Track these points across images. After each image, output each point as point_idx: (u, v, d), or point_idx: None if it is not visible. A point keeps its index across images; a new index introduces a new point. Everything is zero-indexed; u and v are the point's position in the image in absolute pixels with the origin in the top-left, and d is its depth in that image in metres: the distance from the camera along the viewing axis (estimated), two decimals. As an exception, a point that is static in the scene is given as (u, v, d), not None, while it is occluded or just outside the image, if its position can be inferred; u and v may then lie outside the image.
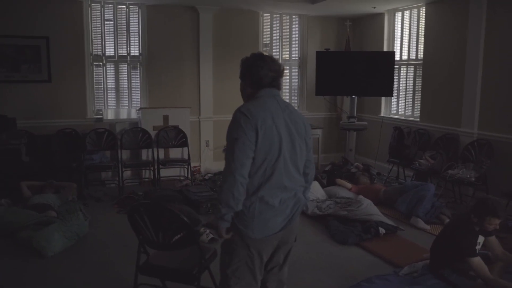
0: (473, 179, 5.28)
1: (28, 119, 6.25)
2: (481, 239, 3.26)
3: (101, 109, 6.85)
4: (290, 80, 8.08)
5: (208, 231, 4.38)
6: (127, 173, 6.47)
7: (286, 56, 7.99)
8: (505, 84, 5.38)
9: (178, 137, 6.66)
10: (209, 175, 7.00)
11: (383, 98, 7.60)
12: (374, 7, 7.05)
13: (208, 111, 7.35)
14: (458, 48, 5.97)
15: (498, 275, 3.24)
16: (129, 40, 6.92)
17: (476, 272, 3.16)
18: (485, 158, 5.41)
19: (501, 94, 5.43)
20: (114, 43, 6.84)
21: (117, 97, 6.99)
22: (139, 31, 6.91)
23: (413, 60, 7.04)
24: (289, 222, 2.27)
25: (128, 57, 6.95)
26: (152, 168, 6.41)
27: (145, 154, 6.65)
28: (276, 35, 7.85)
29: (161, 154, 6.58)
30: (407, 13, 7.14)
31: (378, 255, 4.10)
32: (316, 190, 5.74)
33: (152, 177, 6.46)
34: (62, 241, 4.16)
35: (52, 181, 5.43)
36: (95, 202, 5.67)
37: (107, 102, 6.93)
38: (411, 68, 7.09)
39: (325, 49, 7.49)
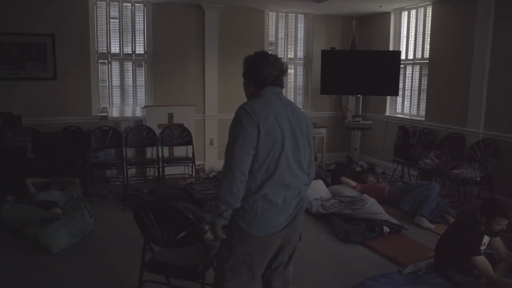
0: (478, 179, 5.26)
1: (34, 116, 6.27)
2: (486, 239, 3.24)
3: (106, 107, 6.87)
4: (295, 79, 8.07)
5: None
6: (132, 171, 6.49)
7: (291, 55, 7.98)
8: (511, 83, 5.35)
9: (183, 135, 6.67)
10: (214, 173, 7.01)
11: (388, 97, 7.59)
12: (380, 6, 7.02)
13: (213, 110, 7.35)
14: (464, 48, 5.94)
15: (503, 275, 3.24)
16: (134, 38, 6.93)
17: (481, 271, 3.15)
18: (491, 158, 5.39)
19: (508, 94, 5.40)
20: (119, 41, 6.86)
21: (122, 95, 7.01)
22: (144, 29, 6.92)
23: (419, 59, 7.02)
24: (293, 221, 2.25)
25: (133, 55, 6.97)
26: (156, 166, 6.43)
27: (150, 152, 6.65)
28: (281, 34, 7.84)
29: (166, 152, 6.60)
30: (413, 12, 7.11)
31: (382, 253, 4.09)
32: (321, 189, 5.74)
33: (156, 175, 6.48)
34: (67, 238, 4.18)
35: (56, 179, 5.46)
36: (99, 199, 5.69)
37: (112, 100, 6.95)
38: (417, 68, 7.06)
39: (330, 48, 7.47)
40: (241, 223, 2.16)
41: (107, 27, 6.76)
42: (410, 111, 7.27)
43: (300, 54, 8.03)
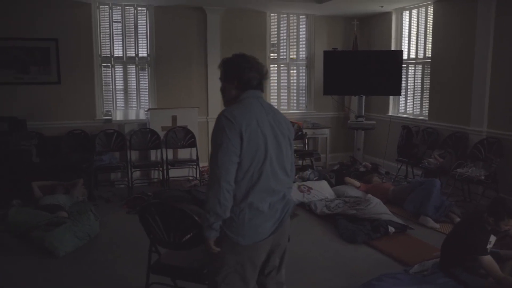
0: (483, 177, 5.25)
1: (38, 120, 6.32)
2: (492, 238, 3.24)
3: (110, 110, 6.90)
4: (297, 80, 8.08)
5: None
6: (136, 173, 6.50)
7: (293, 56, 7.99)
8: (514, 82, 5.35)
9: (187, 138, 6.68)
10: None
11: (391, 97, 7.59)
12: (382, 6, 7.03)
13: (216, 112, 7.25)
14: (466, 46, 5.94)
15: (510, 274, 3.23)
16: (137, 41, 6.96)
17: (488, 270, 3.15)
18: (495, 157, 5.38)
19: (511, 92, 5.39)
20: (122, 45, 6.89)
21: (126, 98, 7.04)
22: (147, 32, 6.96)
23: (421, 58, 7.02)
24: (280, 225, 2.22)
25: (136, 58, 7.00)
26: (161, 168, 6.44)
27: (154, 155, 6.67)
28: (283, 35, 7.86)
29: (170, 155, 6.61)
30: (414, 11, 7.12)
31: (387, 253, 4.09)
32: (325, 190, 5.74)
33: (161, 177, 6.49)
34: (74, 241, 4.20)
35: (61, 182, 5.48)
36: (104, 202, 5.71)
37: (115, 103, 6.98)
38: (419, 67, 7.06)
39: (332, 48, 7.48)
40: (229, 232, 2.12)
41: (110, 31, 6.79)
42: (413, 110, 7.26)
43: (302, 55, 8.04)
